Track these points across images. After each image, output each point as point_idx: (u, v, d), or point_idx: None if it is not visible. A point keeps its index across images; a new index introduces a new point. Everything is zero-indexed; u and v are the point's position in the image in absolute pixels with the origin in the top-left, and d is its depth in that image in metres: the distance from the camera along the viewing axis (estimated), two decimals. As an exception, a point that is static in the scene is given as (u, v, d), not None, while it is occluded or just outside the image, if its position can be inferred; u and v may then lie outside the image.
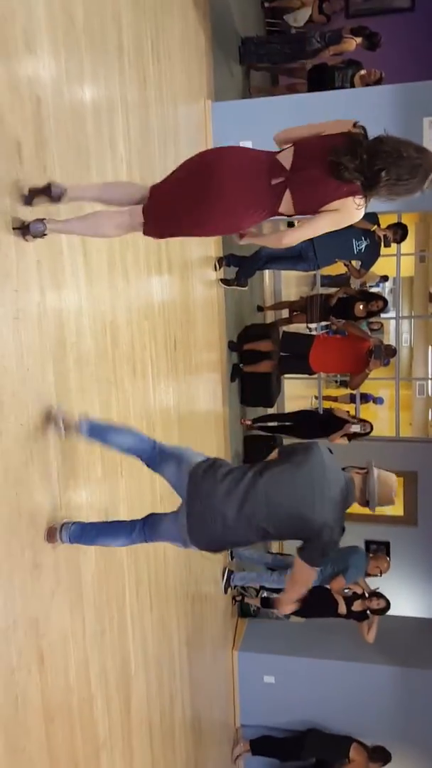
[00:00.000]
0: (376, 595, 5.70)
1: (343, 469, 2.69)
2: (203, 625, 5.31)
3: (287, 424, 6.96)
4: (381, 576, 5.64)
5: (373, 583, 5.86)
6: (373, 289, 11.84)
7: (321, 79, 6.59)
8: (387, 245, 5.99)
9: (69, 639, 2.78)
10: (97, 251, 3.17)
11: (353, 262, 6.36)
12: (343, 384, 11.82)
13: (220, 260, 6.06)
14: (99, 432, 2.73)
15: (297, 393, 11.50)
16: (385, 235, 5.89)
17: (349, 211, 2.40)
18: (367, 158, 2.28)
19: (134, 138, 3.74)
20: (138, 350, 3.79)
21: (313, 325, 8.43)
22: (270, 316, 8.04)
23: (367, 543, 8.68)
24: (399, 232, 5.96)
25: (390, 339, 13.83)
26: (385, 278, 11.63)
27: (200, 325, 5.34)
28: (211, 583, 5.67)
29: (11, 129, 2.38)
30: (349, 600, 5.80)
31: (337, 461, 2.65)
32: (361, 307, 6.36)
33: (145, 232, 2.52)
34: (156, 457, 2.75)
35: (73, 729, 2.82)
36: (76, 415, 2.72)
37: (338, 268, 7.50)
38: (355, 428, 6.23)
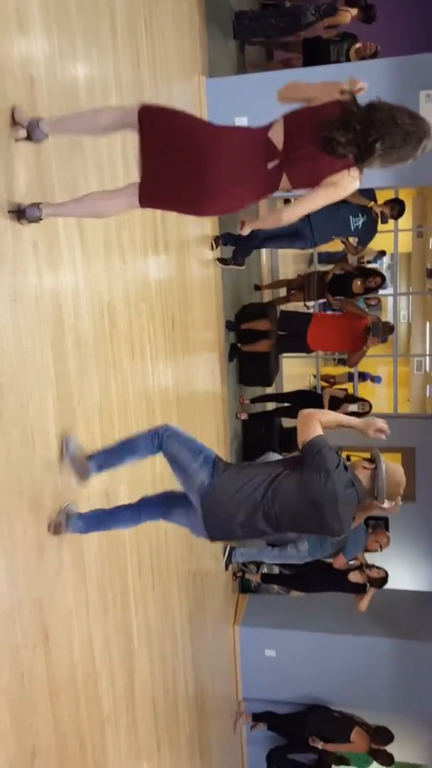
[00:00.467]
0: (372, 566, 5.78)
1: (348, 459, 2.69)
2: (205, 601, 5.38)
3: (286, 405, 6.96)
4: (381, 551, 5.70)
5: (372, 558, 5.94)
6: (371, 265, 11.81)
7: (316, 53, 6.50)
8: (384, 221, 5.97)
9: (73, 617, 2.83)
10: (93, 231, 3.16)
11: (350, 239, 6.33)
12: (341, 362, 11.83)
13: (216, 239, 6.03)
14: (109, 463, 2.78)
15: (295, 371, 11.52)
16: (382, 212, 5.86)
17: (344, 184, 2.39)
18: (360, 128, 2.25)
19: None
20: (136, 331, 3.80)
21: (310, 303, 8.42)
22: (267, 295, 8.02)
23: (366, 518, 8.76)
24: (396, 208, 5.93)
25: (388, 315, 13.82)
26: (382, 253, 11.59)
27: (198, 304, 5.33)
28: (212, 560, 5.73)
29: (4, 108, 2.36)
30: (346, 572, 5.88)
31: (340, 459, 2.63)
32: (358, 283, 6.35)
33: (142, 205, 2.48)
34: (164, 454, 2.75)
35: (78, 704, 2.87)
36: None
37: (336, 245, 7.46)
38: (353, 408, 6.25)
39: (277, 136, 2.39)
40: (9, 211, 2.34)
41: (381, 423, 2.63)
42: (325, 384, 11.37)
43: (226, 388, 6.29)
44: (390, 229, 8.23)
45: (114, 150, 3.42)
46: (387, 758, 5.83)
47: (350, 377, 11.43)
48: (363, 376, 13.13)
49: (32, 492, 2.51)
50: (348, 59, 6.36)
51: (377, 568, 5.72)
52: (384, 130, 2.24)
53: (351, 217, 5.86)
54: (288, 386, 9.23)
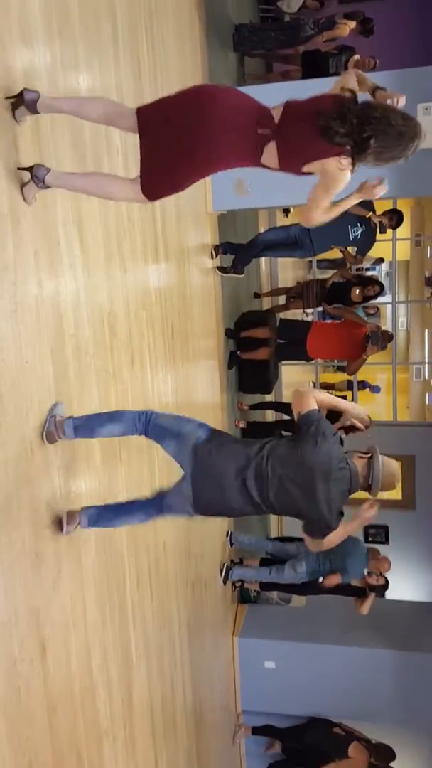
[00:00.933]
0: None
1: (346, 452, 2.71)
2: (203, 611, 5.35)
3: (286, 418, 6.94)
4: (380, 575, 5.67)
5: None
6: (369, 272, 11.85)
7: (315, 66, 6.54)
8: (382, 231, 6.00)
9: (70, 628, 2.80)
10: (94, 241, 3.16)
11: (349, 249, 6.35)
12: (341, 369, 11.85)
13: (216, 248, 6.04)
14: (84, 430, 2.68)
15: (295, 378, 11.51)
16: (380, 222, 5.88)
17: (334, 172, 2.39)
18: (357, 123, 2.29)
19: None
20: (136, 339, 3.79)
21: (309, 311, 8.43)
22: (267, 303, 8.03)
23: (366, 527, 8.75)
24: (394, 218, 5.95)
25: (387, 323, 13.85)
26: (380, 260, 11.66)
27: (197, 313, 5.34)
28: (211, 570, 5.71)
29: (7, 120, 2.36)
30: None
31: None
32: (357, 291, 6.36)
33: (150, 197, 2.52)
34: (151, 432, 2.75)
35: (76, 718, 2.85)
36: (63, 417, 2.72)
37: (335, 252, 7.49)
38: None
39: (275, 113, 2.44)
40: (18, 169, 2.35)
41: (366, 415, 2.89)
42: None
43: (225, 396, 6.28)
44: (388, 238, 8.26)
45: (114, 160, 3.43)
46: None
47: (349, 385, 11.44)
48: (362, 384, 13.14)
49: (30, 502, 2.50)
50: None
51: (378, 575, 5.69)
52: (379, 128, 2.28)
53: (350, 227, 5.88)
54: (287, 393, 9.23)
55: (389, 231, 6.51)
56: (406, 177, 5.38)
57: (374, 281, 6.52)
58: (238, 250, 6.18)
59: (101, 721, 3.13)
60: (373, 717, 6.36)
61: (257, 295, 8.10)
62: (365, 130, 2.27)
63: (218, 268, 6.10)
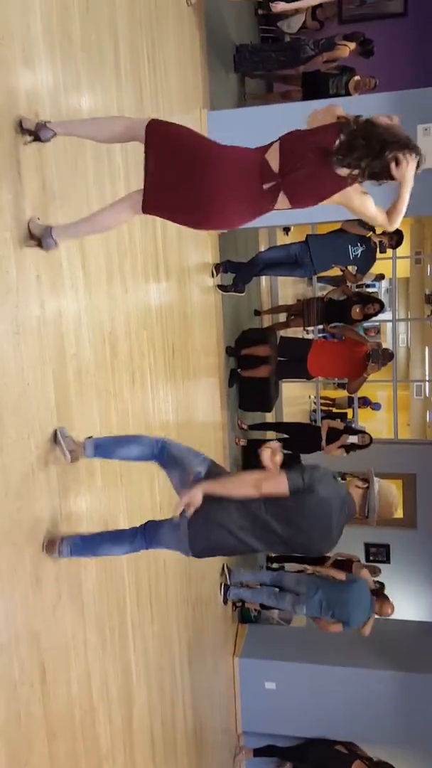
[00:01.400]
0: (376, 594, 5.70)
1: (343, 477, 2.69)
2: (204, 632, 5.31)
3: (285, 437, 6.92)
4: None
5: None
6: (370, 289, 11.88)
7: (315, 86, 6.61)
8: (383, 251, 6.03)
9: (71, 652, 2.78)
10: (95, 262, 3.18)
11: (349, 268, 6.38)
12: (341, 386, 11.85)
13: (217, 267, 6.07)
14: (104, 450, 2.75)
15: (295, 393, 11.52)
16: (380, 241, 5.91)
17: (353, 198, 2.46)
18: (365, 143, 2.33)
19: (131, 150, 3.74)
20: (137, 359, 3.80)
21: (310, 329, 8.45)
22: (267, 320, 8.05)
23: (367, 546, 8.70)
24: (394, 237, 5.98)
25: (387, 340, 13.88)
26: (380, 277, 11.73)
27: (198, 331, 5.35)
28: (211, 590, 5.67)
29: (10, 145, 2.39)
30: None
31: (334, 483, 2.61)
32: (357, 309, 6.38)
33: (145, 211, 2.53)
34: (163, 458, 2.78)
35: (76, 741, 2.82)
36: (80, 436, 2.74)
37: (336, 270, 7.53)
38: (353, 440, 6.23)
39: (273, 159, 2.45)
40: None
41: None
42: (324, 408, 11.34)
43: (226, 414, 6.28)
44: (388, 257, 8.30)
45: (117, 183, 3.46)
46: None
47: (350, 401, 11.44)
48: (363, 401, 13.15)
49: (31, 524, 2.49)
50: (347, 92, 6.47)
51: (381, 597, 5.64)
52: (385, 141, 2.34)
53: (350, 246, 5.91)
54: (288, 409, 9.23)
55: (389, 250, 6.54)
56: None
57: (374, 299, 6.55)
58: (238, 269, 6.21)
59: (101, 744, 3.09)
60: (375, 738, 6.29)
61: (258, 313, 8.13)
62: (373, 145, 2.32)
63: (219, 286, 6.13)
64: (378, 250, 5.99)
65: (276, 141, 2.50)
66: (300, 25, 7.46)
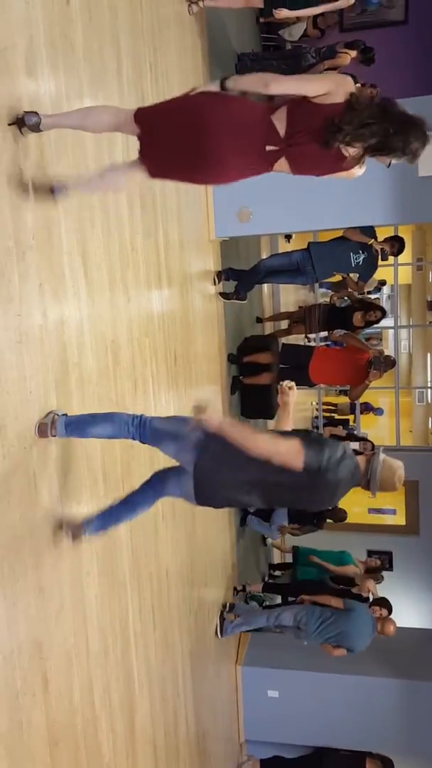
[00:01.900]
0: (380, 603, 5.68)
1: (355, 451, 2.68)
2: (206, 640, 5.29)
3: None
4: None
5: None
6: (372, 296, 11.88)
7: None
8: (384, 258, 6.02)
9: (73, 661, 2.78)
10: (98, 270, 3.19)
11: (351, 275, 6.38)
12: (343, 393, 11.86)
13: (219, 274, 6.08)
14: (75, 428, 2.62)
15: (298, 400, 11.47)
16: (382, 249, 5.92)
17: (354, 174, 2.48)
18: (375, 123, 2.27)
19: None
20: (139, 366, 3.80)
21: (312, 336, 8.45)
22: (269, 327, 8.06)
23: (370, 553, 8.68)
24: (396, 245, 5.98)
25: (389, 346, 13.88)
26: (382, 282, 11.73)
27: (200, 338, 5.36)
28: (214, 598, 5.66)
29: (13, 154, 2.40)
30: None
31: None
32: (359, 316, 6.38)
33: (142, 163, 2.50)
34: (148, 436, 2.69)
35: (78, 751, 2.81)
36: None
37: (337, 277, 7.54)
38: (354, 447, 6.22)
39: (280, 122, 2.41)
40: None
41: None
42: (327, 414, 11.31)
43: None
44: (390, 263, 8.30)
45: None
46: None
47: (352, 407, 11.42)
48: (365, 407, 13.14)
49: (33, 534, 2.49)
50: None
51: (381, 607, 5.62)
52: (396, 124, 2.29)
53: (352, 253, 5.91)
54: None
55: (391, 257, 6.54)
56: (407, 204, 5.44)
57: (376, 306, 6.54)
58: (240, 276, 6.22)
59: (103, 752, 3.08)
60: (377, 746, 6.26)
61: (259, 320, 8.13)
62: (383, 123, 2.27)
63: (221, 294, 6.14)
64: (380, 257, 5.99)
65: (283, 106, 2.42)
66: (301, 34, 7.49)
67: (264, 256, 7.58)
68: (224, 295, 6.16)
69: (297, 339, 7.75)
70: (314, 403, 12.17)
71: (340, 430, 6.77)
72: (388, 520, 9.98)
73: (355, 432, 10.25)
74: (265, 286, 9.15)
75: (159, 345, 4.23)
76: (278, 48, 8.10)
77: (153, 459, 3.84)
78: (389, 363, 6.17)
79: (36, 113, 2.42)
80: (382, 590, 6.08)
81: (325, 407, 11.51)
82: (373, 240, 5.89)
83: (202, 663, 5.12)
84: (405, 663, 6.33)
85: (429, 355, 14.76)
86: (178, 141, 2.40)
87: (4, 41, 2.36)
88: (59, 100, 2.81)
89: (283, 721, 6.38)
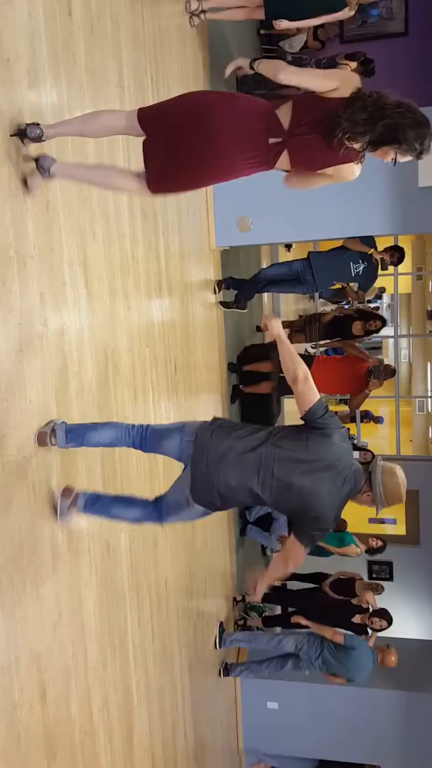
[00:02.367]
0: (379, 614, 5.66)
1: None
2: (205, 651, 5.26)
3: None
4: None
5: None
6: (371, 304, 11.92)
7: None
8: (384, 268, 6.04)
9: (71, 672, 2.76)
10: (98, 280, 3.20)
11: (351, 284, 6.39)
12: (343, 401, 11.85)
13: (219, 283, 6.09)
14: (75, 435, 2.62)
15: (296, 408, 11.48)
16: (382, 258, 5.93)
17: (345, 175, 2.49)
18: (371, 118, 2.29)
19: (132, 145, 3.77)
20: (139, 376, 3.80)
21: (313, 346, 8.45)
22: (269, 336, 8.05)
23: (370, 563, 8.64)
24: (396, 254, 6.00)
25: (389, 355, 13.88)
26: (382, 290, 11.76)
27: (200, 347, 5.36)
28: (213, 608, 5.63)
29: (14, 163, 2.41)
30: (350, 612, 5.77)
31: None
32: (359, 326, 6.39)
33: (148, 182, 2.51)
34: (149, 441, 2.70)
35: (76, 763, 2.79)
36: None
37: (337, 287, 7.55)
38: (354, 456, 6.22)
39: (284, 116, 2.42)
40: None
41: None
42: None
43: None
44: (390, 273, 8.32)
45: (120, 206, 3.48)
46: None
47: (352, 416, 11.39)
48: (365, 414, 13.11)
49: (32, 545, 2.48)
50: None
51: (380, 619, 5.60)
52: (395, 116, 2.32)
53: (352, 263, 5.92)
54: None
55: (391, 267, 6.56)
56: (407, 215, 5.45)
57: (376, 315, 6.55)
58: (240, 286, 6.23)
59: (102, 764, 3.06)
60: (377, 759, 6.22)
61: (260, 329, 8.13)
62: (383, 118, 2.29)
63: (221, 303, 6.15)
64: (380, 267, 6.00)
65: (288, 100, 2.46)
66: (302, 45, 7.55)
67: (264, 266, 7.60)
68: (224, 304, 6.17)
69: (297, 348, 7.75)
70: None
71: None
72: (389, 529, 9.94)
73: (355, 441, 10.24)
74: (265, 296, 9.16)
75: (159, 354, 4.23)
76: (279, 59, 8.14)
77: (152, 471, 3.84)
78: (389, 372, 6.17)
79: (38, 125, 2.43)
80: (381, 601, 6.04)
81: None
82: (373, 250, 5.91)
83: (201, 674, 5.09)
84: (404, 674, 6.29)
85: (429, 364, 14.76)
86: (184, 136, 2.41)
87: (7, 53, 2.37)
88: (61, 111, 2.82)
89: (282, 733, 6.34)
